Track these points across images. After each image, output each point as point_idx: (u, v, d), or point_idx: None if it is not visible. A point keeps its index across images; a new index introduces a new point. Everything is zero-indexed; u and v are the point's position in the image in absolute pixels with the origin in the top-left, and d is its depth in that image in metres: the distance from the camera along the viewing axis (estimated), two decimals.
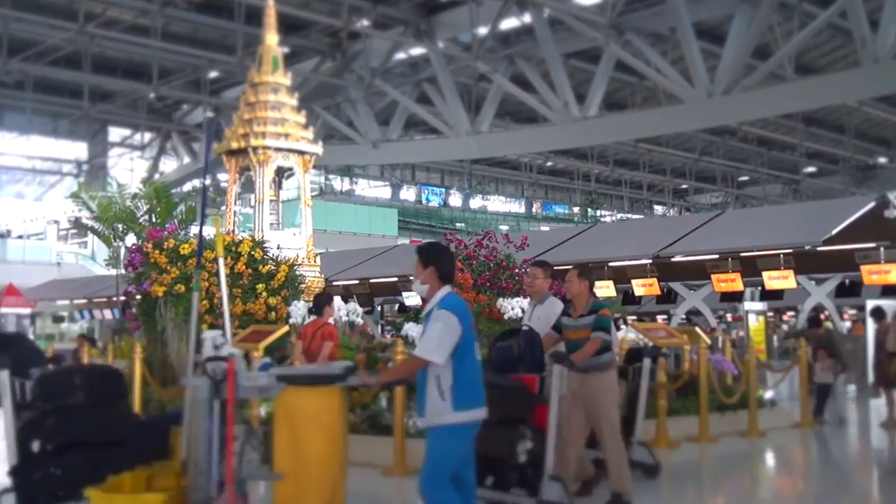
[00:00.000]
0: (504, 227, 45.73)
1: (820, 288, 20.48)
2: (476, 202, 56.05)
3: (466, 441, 4.92)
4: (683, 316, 21.85)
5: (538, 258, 9.37)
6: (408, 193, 53.22)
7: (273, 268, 11.86)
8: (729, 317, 27.39)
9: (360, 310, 11.87)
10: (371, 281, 20.34)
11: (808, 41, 25.56)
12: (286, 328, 10.57)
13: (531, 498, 6.34)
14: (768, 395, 12.68)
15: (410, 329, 10.25)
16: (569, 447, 6.68)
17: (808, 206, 27.71)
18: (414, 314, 12.41)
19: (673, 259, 16.42)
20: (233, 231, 14.65)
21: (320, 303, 9.87)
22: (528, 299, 8.62)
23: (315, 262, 15.13)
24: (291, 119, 15.45)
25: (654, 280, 16.86)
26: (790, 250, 14.89)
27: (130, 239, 20.04)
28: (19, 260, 34.88)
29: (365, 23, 28.13)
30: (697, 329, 13.19)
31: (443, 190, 54.90)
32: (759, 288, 18.58)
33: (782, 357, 18.14)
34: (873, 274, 15.20)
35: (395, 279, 19.31)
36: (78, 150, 44.60)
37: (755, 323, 18.15)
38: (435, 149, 35.53)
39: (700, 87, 24.19)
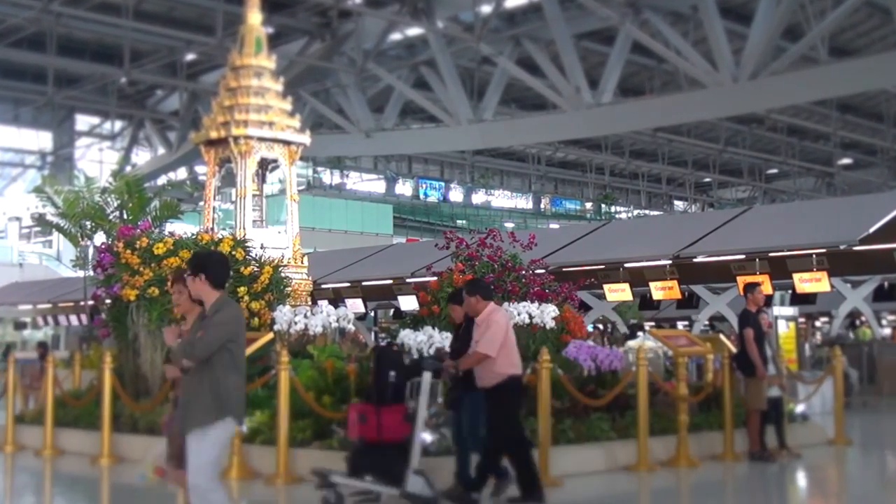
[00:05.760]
0: (509, 225, 45.76)
1: (856, 291, 20.48)
2: (479, 197, 56.11)
3: None
4: (706, 322, 21.85)
5: None
6: (404, 188, 53.26)
7: (256, 269, 11.84)
8: None
9: (351, 315, 11.87)
10: (364, 283, 20.33)
11: (843, 21, 25.54)
12: (270, 335, 10.55)
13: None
14: (799, 408, 12.64)
15: (407, 336, 10.25)
16: None
17: (843, 201, 27.72)
18: (411, 320, 12.40)
19: (695, 260, 16.42)
20: (212, 229, 14.63)
21: None
22: None
23: (302, 262, 15.09)
24: (276, 106, 15.42)
25: (675, 283, 16.84)
26: (823, 250, 14.89)
27: (99, 237, 20.06)
28: None
29: (357, 0, 28.12)
30: (722, 336, 13.18)
31: (442, 184, 54.93)
32: (790, 291, 18.54)
33: (815, 367, 18.14)
34: None
35: (391, 281, 19.32)
36: (42, 139, 44.57)
37: (785, 330, 18.10)
38: (434, 139, 35.52)
39: (725, 71, 24.18)
